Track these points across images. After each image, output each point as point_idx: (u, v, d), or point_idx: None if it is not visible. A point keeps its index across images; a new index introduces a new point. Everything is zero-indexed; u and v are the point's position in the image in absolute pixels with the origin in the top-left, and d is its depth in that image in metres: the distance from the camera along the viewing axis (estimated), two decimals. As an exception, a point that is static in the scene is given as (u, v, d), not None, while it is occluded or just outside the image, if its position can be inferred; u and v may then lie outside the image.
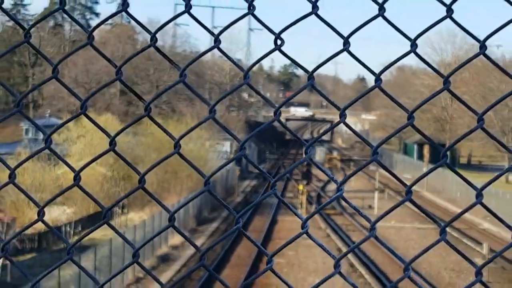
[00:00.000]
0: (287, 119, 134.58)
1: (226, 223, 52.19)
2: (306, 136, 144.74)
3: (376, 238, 2.30)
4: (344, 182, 2.34)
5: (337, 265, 2.25)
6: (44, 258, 39.23)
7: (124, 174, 52.96)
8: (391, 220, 47.71)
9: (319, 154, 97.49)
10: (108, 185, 52.35)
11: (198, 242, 41.93)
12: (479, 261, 2.04)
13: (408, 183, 2.29)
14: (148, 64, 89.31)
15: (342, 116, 2.31)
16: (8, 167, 2.47)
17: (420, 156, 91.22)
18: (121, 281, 32.19)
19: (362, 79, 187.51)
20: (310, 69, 2.40)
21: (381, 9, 2.29)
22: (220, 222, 52.90)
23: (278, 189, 2.35)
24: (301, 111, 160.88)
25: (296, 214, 2.48)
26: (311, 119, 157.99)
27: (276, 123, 2.37)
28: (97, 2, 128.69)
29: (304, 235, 2.30)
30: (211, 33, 2.38)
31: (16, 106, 2.44)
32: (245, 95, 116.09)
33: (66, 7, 2.47)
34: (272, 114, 2.26)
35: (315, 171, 78.12)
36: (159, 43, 2.39)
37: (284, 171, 2.83)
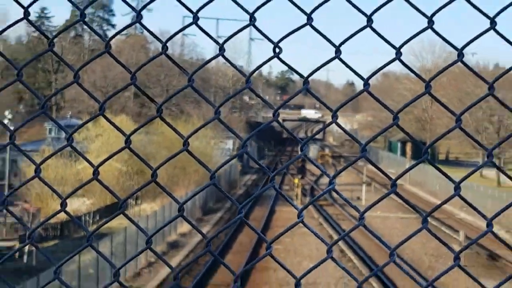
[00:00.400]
0: (283, 120, 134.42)
1: (229, 213, 52.21)
2: (301, 135, 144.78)
3: (365, 226, 2.30)
4: (335, 176, 2.34)
5: (329, 251, 2.25)
6: (66, 245, 39.24)
7: (138, 169, 53.01)
8: (377, 210, 47.77)
9: (313, 151, 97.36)
10: (123, 179, 52.33)
11: (204, 230, 41.87)
12: (456, 248, 2.03)
13: (393, 177, 2.29)
14: (159, 70, 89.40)
15: (334, 116, 2.31)
16: (33, 162, 2.47)
17: (403, 153, 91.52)
18: (135, 266, 32.22)
19: (351, 84, 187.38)
20: (305, 74, 2.39)
21: (369, 20, 2.29)
22: (223, 212, 52.91)
23: (276, 183, 2.35)
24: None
25: (292, 205, 2.47)
26: (307, 119, 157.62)
27: (274, 123, 2.37)
28: (113, 15, 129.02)
29: (300, 223, 2.30)
30: (216, 42, 2.38)
31: (41, 108, 2.43)
32: (246, 98, 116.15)
33: (86, 19, 2.46)
34: (271, 115, 2.26)
35: (309, 166, 78.07)
36: (169, 51, 2.39)
37: (281, 167, 2.84)
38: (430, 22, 2.28)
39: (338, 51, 2.30)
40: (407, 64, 2.37)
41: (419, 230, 2.28)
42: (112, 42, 2.45)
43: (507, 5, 2.30)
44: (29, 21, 2.48)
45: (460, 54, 2.29)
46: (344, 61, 2.31)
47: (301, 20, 2.32)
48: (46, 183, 2.60)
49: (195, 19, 2.33)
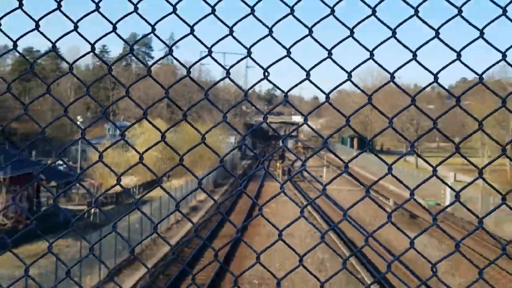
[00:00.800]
0: (270, 122, 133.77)
1: (232, 187, 52.18)
2: (282, 132, 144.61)
3: (326, 195, 2.30)
4: (306, 160, 2.34)
5: (302, 211, 2.26)
6: (119, 209, 39.23)
7: (169, 156, 52.90)
8: (333, 185, 47.78)
9: (289, 144, 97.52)
10: (159, 163, 52.08)
11: (215, 198, 41.98)
12: (388, 210, 2.03)
13: (345, 162, 2.29)
14: (184, 88, 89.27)
15: (305, 120, 2.32)
16: (97, 151, 2.47)
17: (352, 145, 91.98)
18: (167, 222, 32.26)
19: (316, 98, 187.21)
20: (285, 90, 2.39)
21: (330, 53, 2.29)
22: (228, 186, 52.89)
23: (265, 165, 2.36)
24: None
25: (276, 180, 2.48)
26: (286, 122, 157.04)
27: (264, 125, 2.37)
28: (152, 50, 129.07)
29: (282, 193, 2.30)
30: (224, 68, 2.38)
31: (102, 114, 2.42)
32: (244, 107, 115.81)
33: (134, 52, 2.45)
34: (261, 119, 2.26)
35: (287, 154, 78.12)
36: (191, 75, 2.39)
37: (268, 154, 2.82)
38: (371, 54, 2.27)
39: (308, 74, 2.30)
40: (355, 84, 2.37)
41: (363, 198, 2.28)
42: (152, 68, 2.44)
43: (426, 41, 2.30)
44: (96, 55, 2.47)
45: (392, 77, 2.30)
46: (313, 82, 2.31)
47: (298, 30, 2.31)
48: (106, 165, 2.60)
49: (209, 53, 2.32)
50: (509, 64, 2.24)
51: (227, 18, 2.26)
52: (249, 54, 2.32)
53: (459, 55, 2.24)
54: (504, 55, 2.24)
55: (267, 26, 2.29)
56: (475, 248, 26.54)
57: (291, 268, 2.27)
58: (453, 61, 2.24)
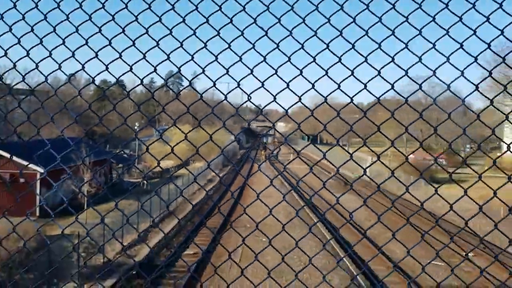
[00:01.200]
0: (257, 126, 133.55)
1: (232, 169, 51.98)
2: (264, 133, 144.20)
3: (287, 169, 2.32)
4: (277, 148, 2.37)
5: (272, 181, 2.28)
6: (162, 181, 38.92)
7: (192, 148, 52.61)
8: (294, 164, 47.84)
9: (270, 139, 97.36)
10: (187, 152, 51.80)
11: (221, 174, 41.80)
12: (330, 180, 2.05)
13: (297, 150, 2.32)
14: (202, 104, 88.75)
15: (274, 124, 2.34)
16: (144, 144, 2.47)
17: (308, 140, 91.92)
18: (192, 189, 32.11)
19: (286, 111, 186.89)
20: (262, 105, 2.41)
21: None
22: (229, 168, 52.73)
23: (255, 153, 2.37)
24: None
25: (259, 165, 2.50)
26: (268, 126, 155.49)
27: (253, 127, 2.38)
28: (182, 80, 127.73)
29: (263, 170, 2.32)
30: (223, 93, 2.40)
31: (149, 121, 2.43)
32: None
33: (168, 84, 2.46)
34: (253, 124, 2.28)
35: (269, 146, 78.12)
36: (205, 95, 2.40)
37: (255, 146, 2.84)
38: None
39: (275, 98, 2.31)
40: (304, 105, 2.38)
41: (310, 171, 2.31)
42: (182, 93, 2.46)
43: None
44: (143, 85, 2.47)
45: (325, 100, 2.31)
46: (279, 104, 2.32)
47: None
48: (151, 154, 2.60)
49: (213, 84, 2.33)
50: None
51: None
52: (239, 85, 2.33)
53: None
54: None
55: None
56: (383, 202, 26.76)
57: (264, 216, 2.30)
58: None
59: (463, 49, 2.03)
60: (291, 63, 2.22)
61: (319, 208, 24.73)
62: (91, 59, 2.28)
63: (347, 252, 15.61)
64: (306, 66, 2.23)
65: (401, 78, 2.12)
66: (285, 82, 2.23)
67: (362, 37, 2.12)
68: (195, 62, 2.35)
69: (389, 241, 2.18)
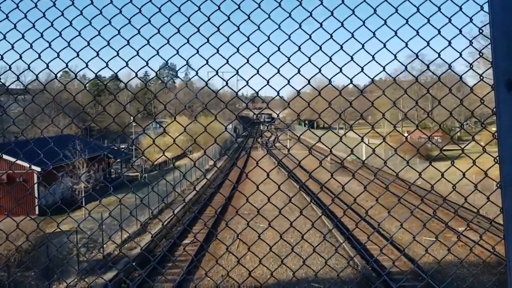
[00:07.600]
0: (254, 113, 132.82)
1: (230, 157, 52.09)
2: (262, 120, 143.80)
3: (290, 154, 2.35)
4: (272, 136, 2.39)
5: (268, 173, 2.30)
6: (161, 172, 38.95)
7: (190, 139, 52.45)
8: (293, 149, 47.99)
9: (266, 127, 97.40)
10: (185, 143, 51.78)
11: (218, 164, 41.90)
12: (326, 163, 2.08)
13: (298, 135, 2.34)
14: (198, 95, 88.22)
15: (275, 113, 2.35)
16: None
17: (305, 125, 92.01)
18: (194, 177, 32.18)
19: (282, 97, 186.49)
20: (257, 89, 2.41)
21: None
22: (227, 157, 52.79)
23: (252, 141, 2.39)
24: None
25: (258, 148, 2.51)
26: (264, 113, 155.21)
27: (249, 114, 2.39)
28: (176, 72, 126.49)
29: (260, 155, 2.34)
30: (223, 79, 2.39)
31: (149, 115, 2.43)
32: (237, 105, 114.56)
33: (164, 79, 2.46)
34: (248, 112, 2.29)
35: (266, 133, 78.11)
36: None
37: (253, 134, 2.85)
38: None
39: (268, 82, 2.31)
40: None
41: (309, 154, 2.33)
42: (177, 84, 2.46)
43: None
44: (139, 78, 2.47)
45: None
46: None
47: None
48: (148, 147, 2.61)
49: (216, 73, 2.33)
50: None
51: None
52: (237, 73, 2.33)
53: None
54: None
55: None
56: (377, 182, 26.79)
57: (264, 203, 2.33)
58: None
59: (451, 23, 2.07)
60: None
61: (316, 192, 24.86)
62: (92, 58, 2.32)
63: (345, 235, 15.78)
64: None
65: (390, 62, 2.20)
66: (276, 67, 2.24)
67: (359, 27, 2.18)
68: (200, 55, 2.35)
69: (385, 218, 2.23)
